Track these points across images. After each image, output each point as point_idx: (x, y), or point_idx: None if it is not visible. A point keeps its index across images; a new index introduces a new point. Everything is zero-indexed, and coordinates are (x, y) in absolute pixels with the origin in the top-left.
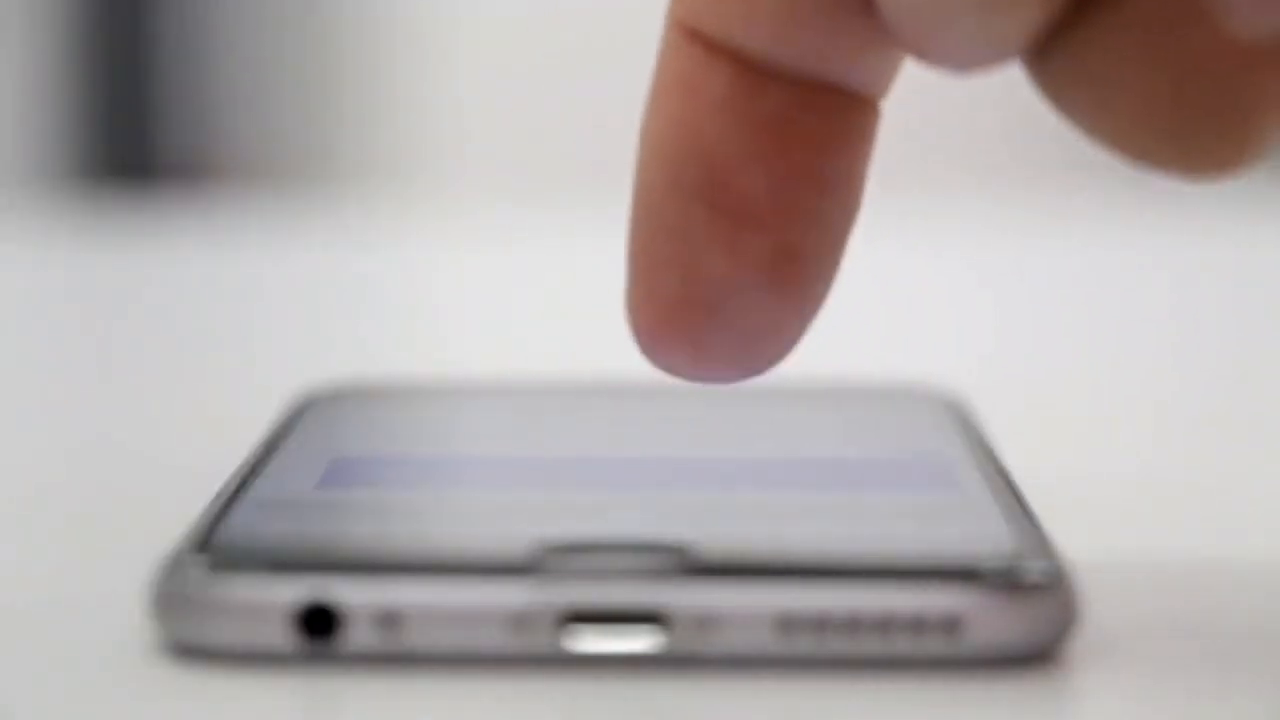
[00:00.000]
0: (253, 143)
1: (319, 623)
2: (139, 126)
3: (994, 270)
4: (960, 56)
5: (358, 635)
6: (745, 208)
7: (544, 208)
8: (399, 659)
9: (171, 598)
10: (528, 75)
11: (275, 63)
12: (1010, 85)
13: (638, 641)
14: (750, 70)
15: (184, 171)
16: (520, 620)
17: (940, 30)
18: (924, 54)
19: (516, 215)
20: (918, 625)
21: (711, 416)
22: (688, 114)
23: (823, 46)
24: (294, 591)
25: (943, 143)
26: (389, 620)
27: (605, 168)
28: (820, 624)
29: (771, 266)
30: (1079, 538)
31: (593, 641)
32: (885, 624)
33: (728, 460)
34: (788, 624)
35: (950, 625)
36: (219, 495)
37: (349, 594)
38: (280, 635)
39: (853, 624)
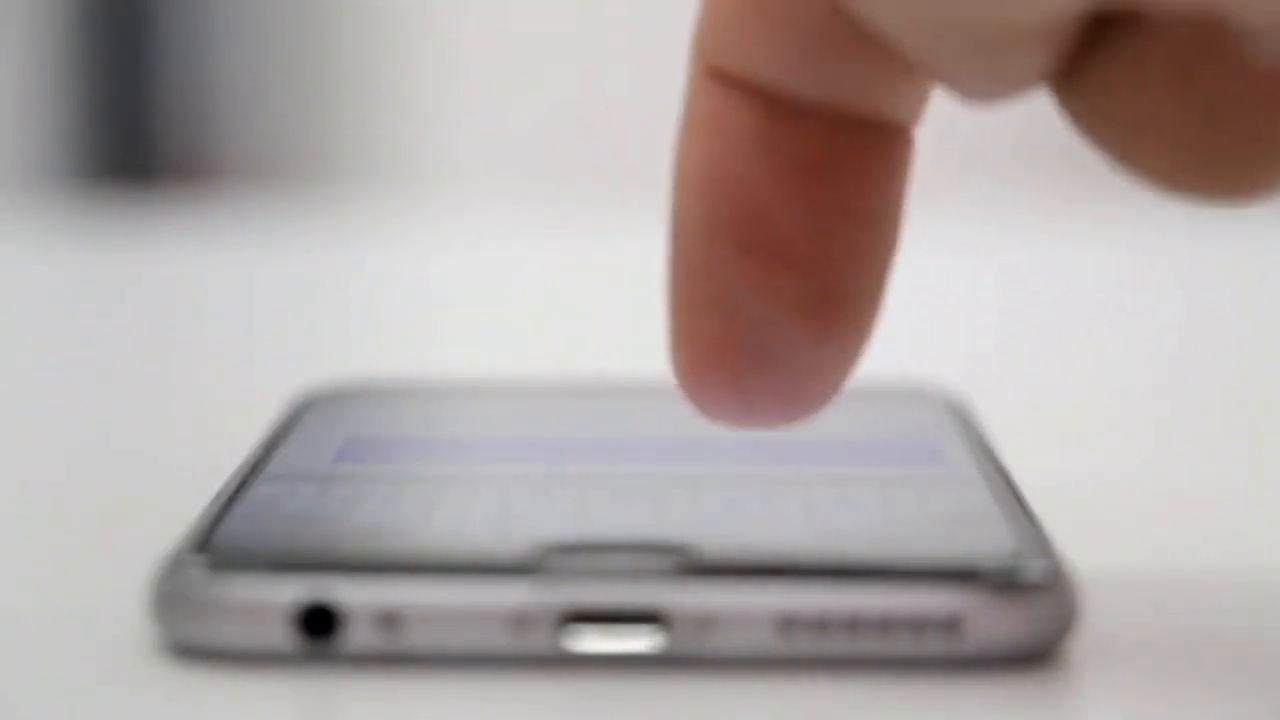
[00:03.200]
0: (253, 143)
1: (319, 623)
2: (139, 126)
3: (994, 270)
4: (978, 90)
5: (358, 635)
6: (783, 249)
7: (543, 207)
8: (399, 659)
9: (171, 598)
10: (527, 75)
11: (275, 63)
12: None
13: (638, 641)
14: (779, 107)
15: (184, 171)
16: (520, 620)
17: (952, 68)
18: (946, 86)
19: (516, 215)
20: (918, 625)
21: None
22: (719, 154)
23: (850, 79)
24: (294, 591)
25: (944, 142)
26: (389, 620)
27: (605, 167)
28: (820, 624)
29: (813, 308)
30: (1079, 538)
31: (593, 641)
32: (885, 624)
33: (728, 461)
34: (788, 624)
35: (950, 625)
36: (219, 495)
37: (349, 594)
38: (280, 635)
39: (853, 624)
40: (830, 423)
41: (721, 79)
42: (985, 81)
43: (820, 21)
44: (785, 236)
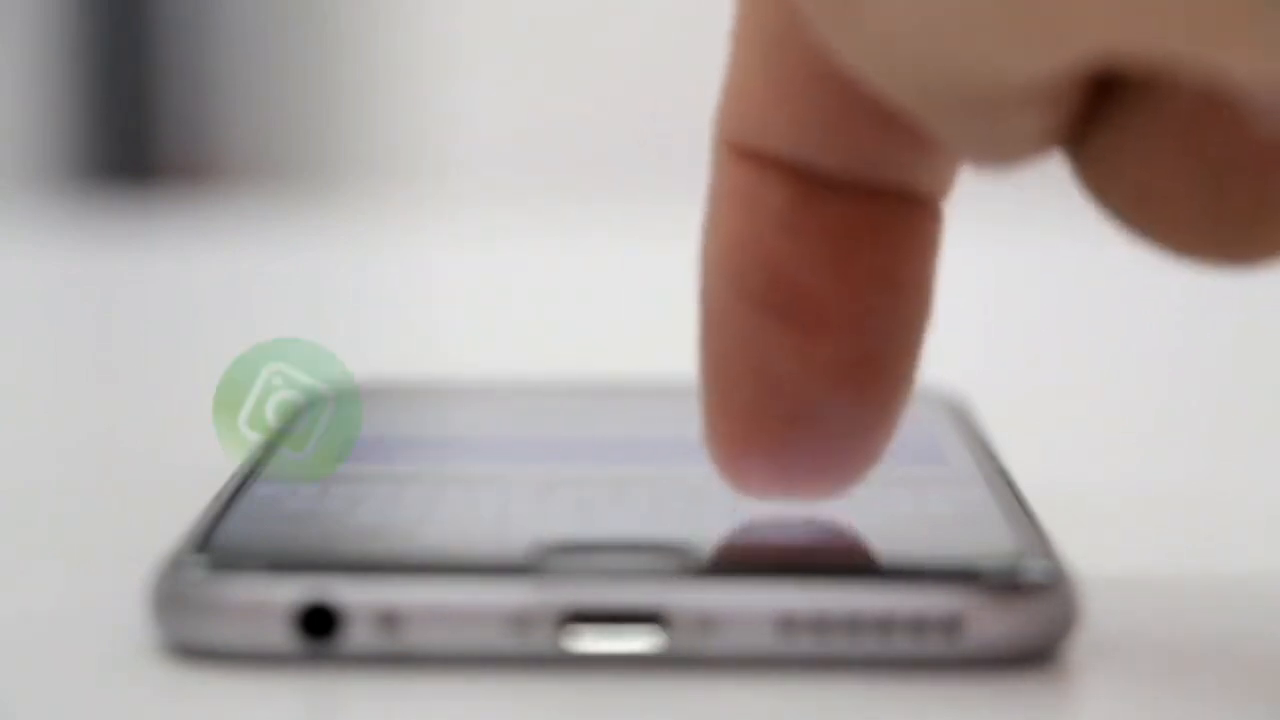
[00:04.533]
0: (253, 143)
1: (319, 623)
2: (139, 126)
3: (995, 270)
4: (984, 156)
5: (358, 635)
6: (815, 315)
7: (544, 208)
8: (399, 659)
9: (171, 598)
10: (528, 75)
11: (275, 63)
12: None
13: (638, 641)
14: (805, 181)
15: (184, 171)
16: (520, 620)
17: (953, 133)
18: (955, 152)
19: (517, 216)
20: (918, 625)
21: None
22: (748, 228)
23: (871, 151)
24: (294, 591)
25: None
26: (389, 620)
27: (606, 168)
28: (820, 624)
29: (848, 373)
30: (1079, 538)
31: (593, 641)
32: (885, 624)
33: None
34: (788, 624)
35: (950, 625)
36: (219, 495)
37: (349, 594)
38: (280, 635)
39: (853, 624)
40: None
41: (745, 155)
42: (988, 147)
43: (835, 95)
44: (819, 304)
